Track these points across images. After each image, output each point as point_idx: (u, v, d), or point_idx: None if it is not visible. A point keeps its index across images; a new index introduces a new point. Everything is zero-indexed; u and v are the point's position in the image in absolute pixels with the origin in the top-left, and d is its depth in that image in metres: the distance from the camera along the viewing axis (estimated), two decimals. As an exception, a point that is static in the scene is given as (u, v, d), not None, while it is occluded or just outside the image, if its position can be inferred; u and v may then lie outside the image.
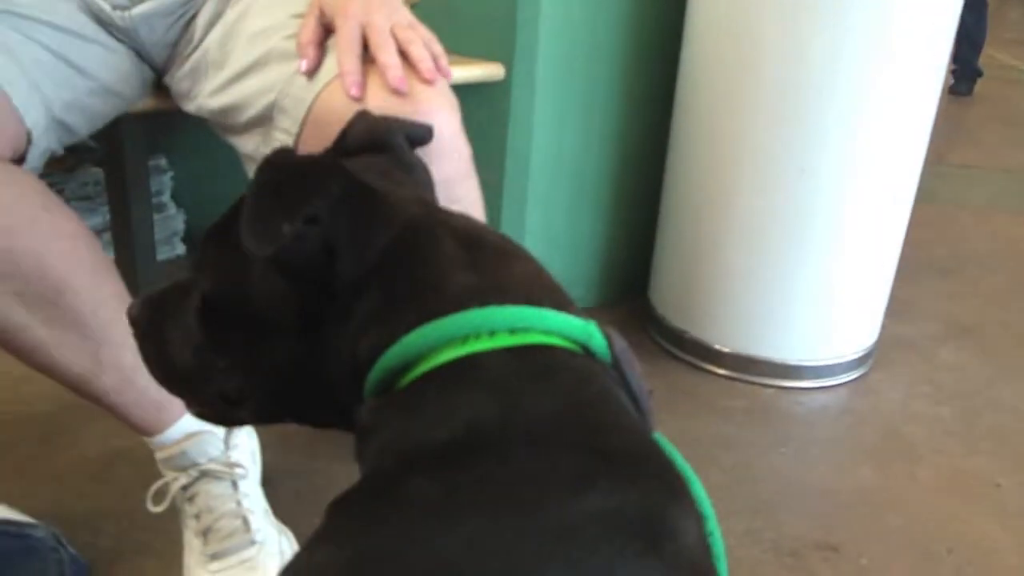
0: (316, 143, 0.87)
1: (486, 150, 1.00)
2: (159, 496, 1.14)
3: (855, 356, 1.83)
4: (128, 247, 1.45)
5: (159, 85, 1.21)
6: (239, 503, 1.12)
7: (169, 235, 2.13)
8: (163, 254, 2.06)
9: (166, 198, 2.12)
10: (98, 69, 1.09)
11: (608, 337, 0.53)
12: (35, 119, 0.98)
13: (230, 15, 1.09)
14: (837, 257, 1.71)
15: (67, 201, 1.34)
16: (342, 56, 0.94)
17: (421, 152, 0.92)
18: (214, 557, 1.10)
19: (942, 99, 1.72)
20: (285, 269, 0.55)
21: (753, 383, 1.79)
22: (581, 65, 1.79)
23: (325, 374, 0.57)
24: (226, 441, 1.14)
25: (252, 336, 0.59)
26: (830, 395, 1.78)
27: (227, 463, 1.13)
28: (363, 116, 0.70)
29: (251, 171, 1.07)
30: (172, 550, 1.16)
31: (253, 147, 1.06)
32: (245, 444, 1.18)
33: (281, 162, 0.54)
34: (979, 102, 5.67)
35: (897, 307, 1.95)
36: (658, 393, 1.73)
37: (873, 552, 1.31)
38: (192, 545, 1.12)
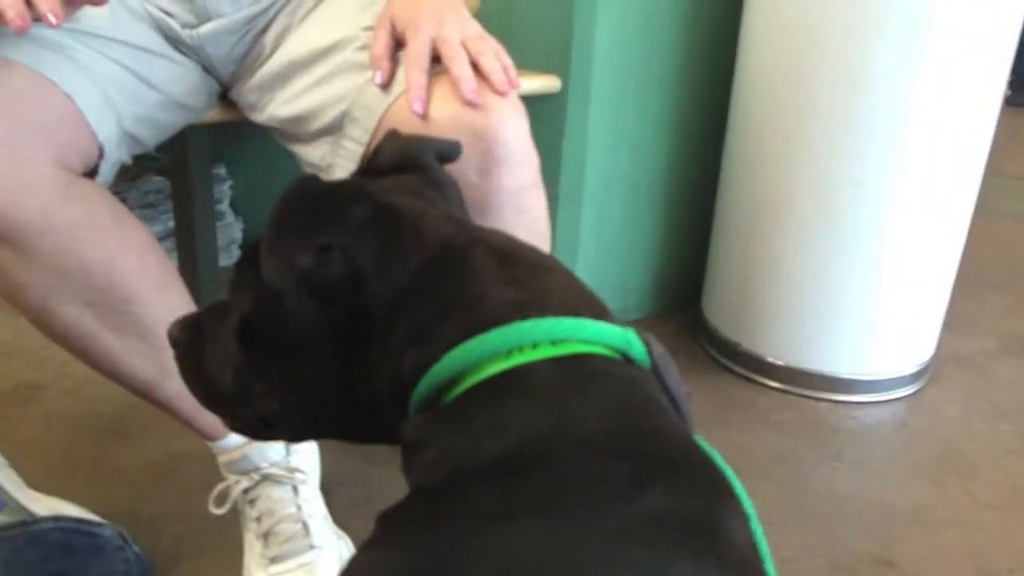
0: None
1: (541, 161, 1.01)
2: (221, 499, 1.16)
3: (911, 371, 1.81)
4: (191, 254, 1.48)
5: (224, 96, 1.24)
6: (299, 507, 1.14)
7: (227, 243, 2.16)
8: (221, 261, 2.10)
9: (225, 206, 2.16)
10: (167, 83, 1.12)
11: (646, 343, 0.54)
12: (107, 134, 1.01)
13: (301, 28, 1.12)
14: (893, 270, 1.70)
15: (130, 209, 1.38)
16: (410, 70, 0.96)
17: (492, 162, 0.94)
18: (274, 560, 1.12)
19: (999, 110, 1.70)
20: (315, 294, 0.56)
21: (806, 396, 1.78)
22: (636, 77, 1.79)
23: (364, 393, 0.58)
24: (287, 446, 1.16)
25: (289, 357, 0.60)
26: (885, 410, 1.77)
27: (287, 468, 1.15)
28: (393, 135, 0.71)
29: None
30: (233, 552, 1.18)
31: (319, 156, 1.08)
32: (305, 450, 1.20)
33: (300, 191, 0.56)
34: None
35: (953, 321, 1.93)
36: (710, 405, 1.73)
37: (930, 569, 1.30)
38: (253, 547, 1.15)
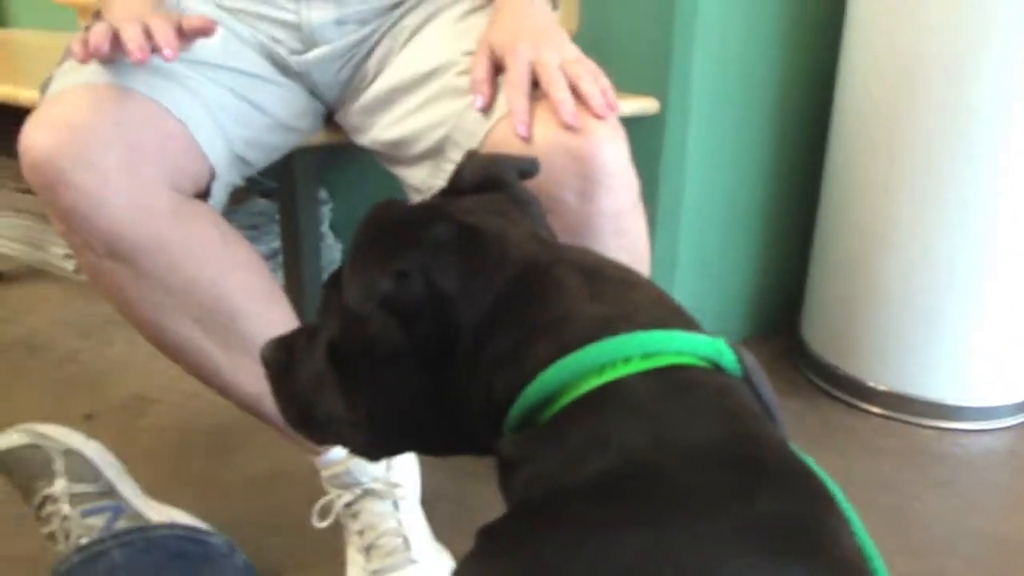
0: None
1: (639, 183, 1.01)
2: (324, 512, 1.19)
3: (1020, 399, 1.75)
4: (296, 274, 1.52)
5: (329, 119, 1.28)
6: (400, 522, 1.16)
7: (328, 264, 2.21)
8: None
9: (325, 228, 2.21)
10: (275, 107, 1.16)
11: (737, 352, 0.55)
12: (217, 157, 1.05)
13: (404, 54, 1.15)
14: (997, 294, 1.65)
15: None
16: (511, 94, 0.97)
17: (592, 186, 0.95)
18: (376, 573, 1.14)
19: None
20: (397, 317, 0.57)
21: (909, 423, 1.73)
22: (735, 99, 1.78)
23: (452, 410, 0.59)
24: (387, 461, 1.18)
25: (378, 378, 0.61)
26: (994, 438, 1.71)
27: (389, 483, 1.17)
28: (474, 155, 0.71)
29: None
30: (335, 564, 1.20)
31: (421, 179, 1.10)
32: (405, 465, 1.21)
33: (379, 215, 0.57)
34: None
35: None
36: (809, 430, 1.69)
37: (1044, 604, 1.25)
38: (355, 561, 1.17)
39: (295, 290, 1.54)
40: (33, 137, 0.92)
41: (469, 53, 1.07)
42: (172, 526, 1.09)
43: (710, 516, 0.45)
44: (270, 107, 1.15)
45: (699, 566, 0.43)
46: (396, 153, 1.14)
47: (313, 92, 1.22)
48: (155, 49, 0.91)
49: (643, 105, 1.62)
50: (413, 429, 0.63)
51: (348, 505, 1.17)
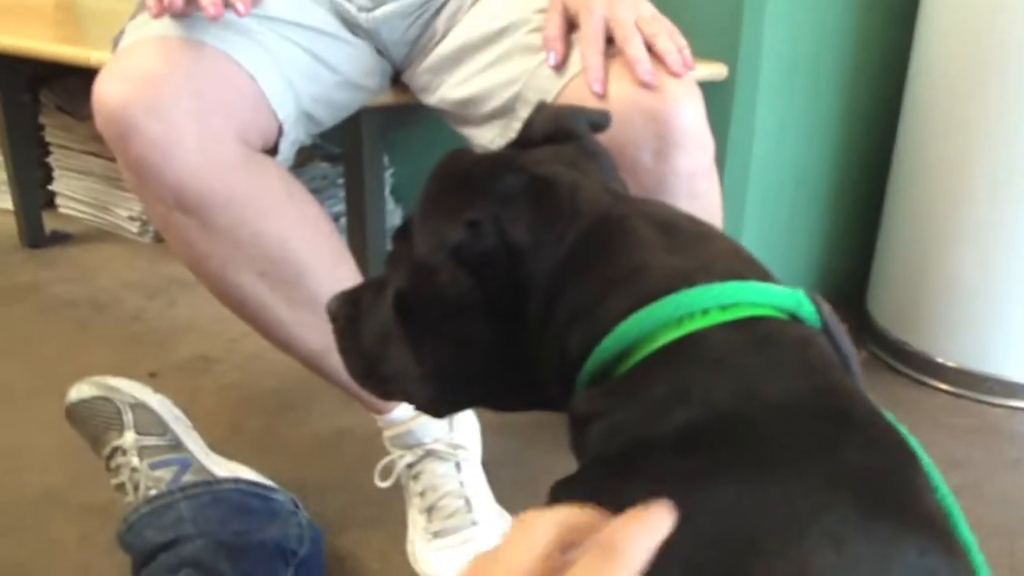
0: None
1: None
2: (386, 472, 1.19)
3: (1098, 378, 1.70)
4: (361, 236, 1.52)
5: (396, 80, 1.27)
6: (462, 484, 1.16)
7: (389, 229, 2.21)
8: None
9: (386, 194, 2.22)
10: (343, 64, 1.15)
11: (816, 303, 0.54)
12: (286, 113, 1.05)
13: (473, 11, 1.13)
14: (1081, 271, 1.60)
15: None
16: (586, 51, 0.96)
17: (668, 146, 0.93)
18: (437, 535, 1.14)
19: None
20: (468, 268, 0.56)
21: (980, 401, 1.68)
22: (806, 67, 1.74)
23: (522, 366, 0.58)
24: (450, 422, 1.18)
25: (446, 331, 0.60)
26: (1066, 418, 1.66)
27: (451, 444, 1.17)
28: (544, 106, 0.70)
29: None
30: (396, 525, 1.21)
31: (490, 139, 1.09)
32: (468, 426, 1.21)
33: (450, 165, 0.55)
34: None
35: None
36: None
37: (1120, 587, 1.21)
38: (416, 521, 1.17)
39: (359, 254, 1.53)
40: (105, 89, 0.93)
41: (541, 10, 1.05)
42: (237, 481, 1.10)
43: (800, 468, 0.44)
44: (339, 64, 1.14)
45: (792, 518, 0.42)
46: (465, 112, 1.13)
47: (381, 51, 1.21)
48: (228, 4, 0.91)
49: (711, 70, 1.59)
50: (481, 383, 0.62)
51: (410, 466, 1.17)
